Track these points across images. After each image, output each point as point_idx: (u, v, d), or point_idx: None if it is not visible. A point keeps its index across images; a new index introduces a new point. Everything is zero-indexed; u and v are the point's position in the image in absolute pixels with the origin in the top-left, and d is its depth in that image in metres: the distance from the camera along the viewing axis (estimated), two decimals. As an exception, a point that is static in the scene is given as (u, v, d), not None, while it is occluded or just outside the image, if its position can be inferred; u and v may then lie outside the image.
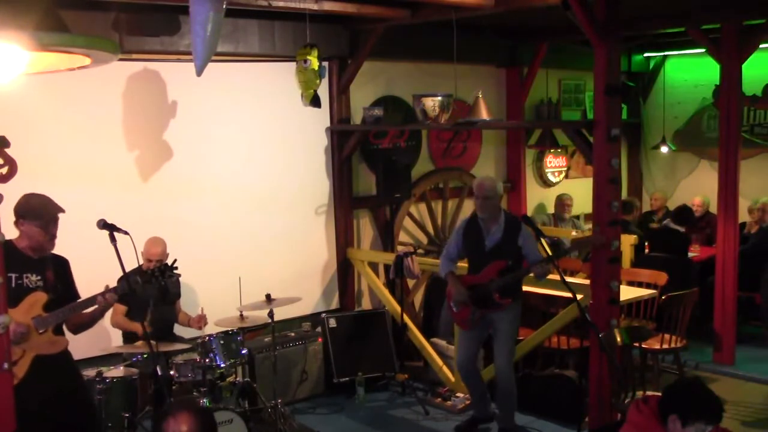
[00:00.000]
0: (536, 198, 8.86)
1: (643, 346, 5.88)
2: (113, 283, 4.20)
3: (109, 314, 5.28)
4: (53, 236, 4.01)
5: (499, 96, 8.23)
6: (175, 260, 4.43)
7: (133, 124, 5.72)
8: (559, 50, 8.28)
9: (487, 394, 5.45)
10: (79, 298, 4.17)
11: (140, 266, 5.25)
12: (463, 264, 5.45)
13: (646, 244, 7.55)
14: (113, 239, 3.94)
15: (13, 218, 3.95)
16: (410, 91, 6.72)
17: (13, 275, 3.88)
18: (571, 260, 7.28)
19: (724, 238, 6.71)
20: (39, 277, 3.98)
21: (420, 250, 6.96)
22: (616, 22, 4.90)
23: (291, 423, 5.50)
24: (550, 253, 4.72)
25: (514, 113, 8.20)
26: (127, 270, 4.07)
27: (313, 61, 5.45)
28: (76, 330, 4.21)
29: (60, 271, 4.12)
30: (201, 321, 5.39)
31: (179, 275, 4.61)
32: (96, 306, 4.06)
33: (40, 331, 3.91)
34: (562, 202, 8.51)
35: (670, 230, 7.41)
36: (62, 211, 4.04)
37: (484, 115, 5.82)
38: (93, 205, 5.19)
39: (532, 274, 5.12)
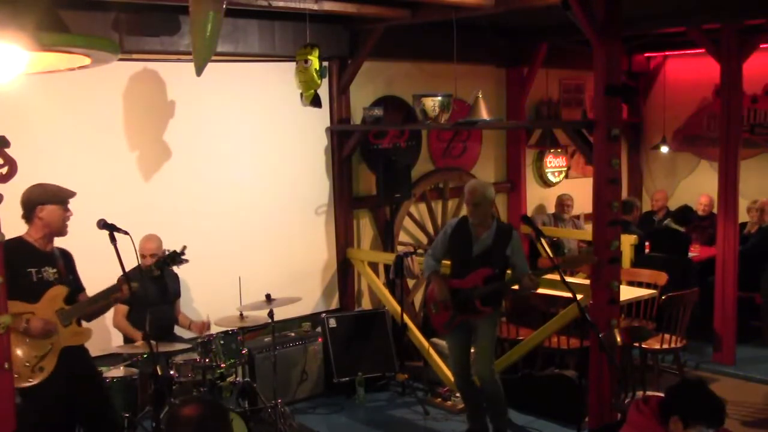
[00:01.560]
0: (536, 198, 8.85)
1: (643, 346, 5.88)
2: (113, 281, 4.25)
3: (110, 315, 5.31)
4: (69, 217, 4.14)
5: (499, 96, 8.22)
6: (184, 247, 4.44)
7: (133, 125, 5.72)
8: (559, 50, 8.27)
9: (483, 406, 5.39)
10: (84, 289, 4.30)
11: (139, 265, 5.26)
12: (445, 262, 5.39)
13: (647, 244, 7.54)
14: (113, 239, 3.96)
15: (17, 216, 4.01)
16: (410, 91, 6.71)
17: (33, 270, 3.99)
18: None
19: (724, 238, 6.71)
20: (54, 270, 4.08)
21: (420, 250, 6.96)
22: (616, 22, 4.90)
23: (291, 423, 5.50)
24: (550, 254, 4.71)
25: (514, 113, 8.19)
26: (127, 270, 4.09)
27: (314, 61, 5.46)
28: (90, 318, 4.33)
29: (68, 263, 4.23)
30: (203, 328, 5.38)
31: (187, 261, 4.57)
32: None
33: (65, 324, 4.03)
34: (562, 202, 8.50)
35: (671, 230, 7.40)
36: (74, 193, 4.14)
37: (484, 115, 5.81)
38: (93, 204, 5.17)
39: (516, 287, 5.10)
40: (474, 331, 5.20)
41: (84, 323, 4.27)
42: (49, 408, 3.93)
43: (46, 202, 4.02)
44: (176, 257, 4.40)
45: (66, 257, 4.23)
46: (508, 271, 5.14)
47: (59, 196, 4.07)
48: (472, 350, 5.39)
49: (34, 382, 3.89)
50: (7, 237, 3.09)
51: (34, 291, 3.96)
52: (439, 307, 5.20)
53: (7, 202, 2.93)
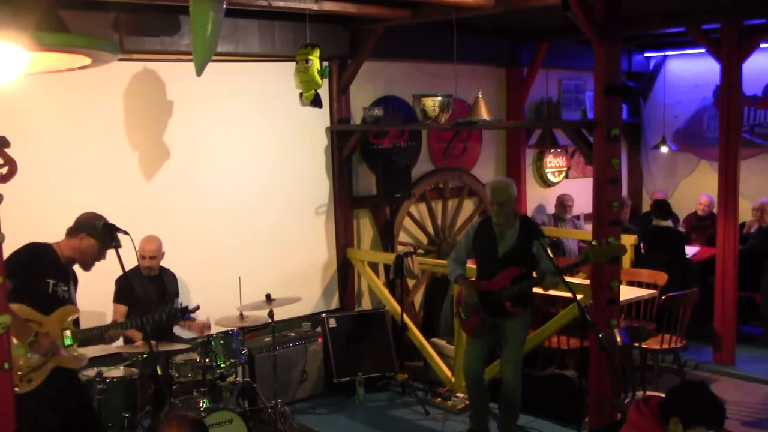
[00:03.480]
0: (536, 198, 8.85)
1: (643, 346, 5.87)
2: (112, 281, 4.27)
3: (111, 316, 5.31)
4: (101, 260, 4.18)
5: (499, 96, 8.23)
6: (197, 306, 4.88)
7: (133, 125, 5.73)
8: (559, 50, 8.27)
9: (488, 407, 5.37)
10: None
11: (138, 265, 5.27)
12: (471, 265, 5.34)
13: (641, 244, 7.52)
14: (113, 239, 3.96)
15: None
16: (410, 91, 6.72)
17: (51, 281, 3.99)
18: (570, 260, 7.27)
19: (724, 238, 6.71)
20: (66, 288, 4.08)
21: (420, 250, 6.96)
22: (616, 22, 4.90)
23: (291, 423, 5.50)
24: (551, 255, 4.70)
25: (514, 113, 8.20)
26: (127, 269, 4.09)
27: (315, 61, 5.46)
28: (86, 343, 4.30)
29: (75, 285, 4.24)
30: (203, 328, 5.37)
31: (194, 319, 5.08)
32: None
33: (67, 345, 4.02)
34: (562, 202, 8.49)
35: (663, 229, 7.37)
36: (120, 246, 4.08)
37: (484, 115, 5.81)
38: (93, 205, 5.15)
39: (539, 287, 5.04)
40: (502, 333, 5.11)
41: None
42: (30, 418, 3.86)
43: (93, 235, 4.05)
44: (185, 313, 4.82)
45: (75, 280, 4.25)
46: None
47: (104, 240, 4.07)
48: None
49: (19, 391, 3.82)
50: (7, 237, 3.08)
51: (45, 302, 3.96)
52: (469, 311, 5.09)
53: (7, 202, 2.93)
